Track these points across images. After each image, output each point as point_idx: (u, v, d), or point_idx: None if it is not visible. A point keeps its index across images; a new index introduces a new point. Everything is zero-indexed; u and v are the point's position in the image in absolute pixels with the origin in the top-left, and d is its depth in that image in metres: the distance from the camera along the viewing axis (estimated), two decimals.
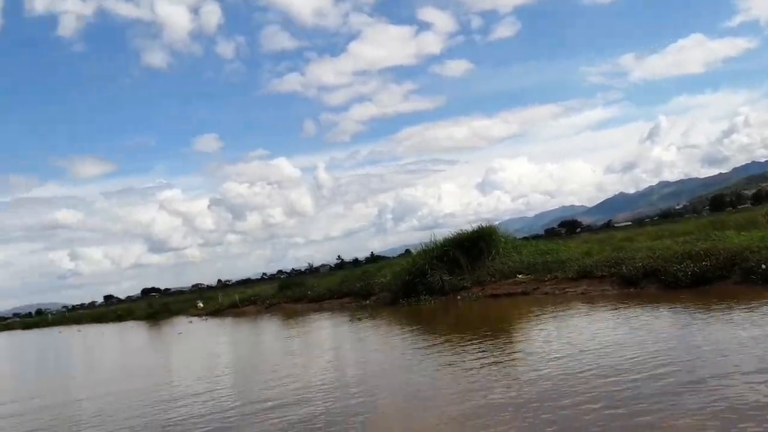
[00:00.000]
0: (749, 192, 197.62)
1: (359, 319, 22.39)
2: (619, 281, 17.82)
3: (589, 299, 17.27)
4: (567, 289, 19.34)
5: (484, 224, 27.20)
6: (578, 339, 11.64)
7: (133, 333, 40.41)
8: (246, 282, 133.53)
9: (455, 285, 24.19)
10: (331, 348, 16.92)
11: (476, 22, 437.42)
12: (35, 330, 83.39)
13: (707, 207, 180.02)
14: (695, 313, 12.45)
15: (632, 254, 19.01)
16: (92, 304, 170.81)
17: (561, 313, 15.62)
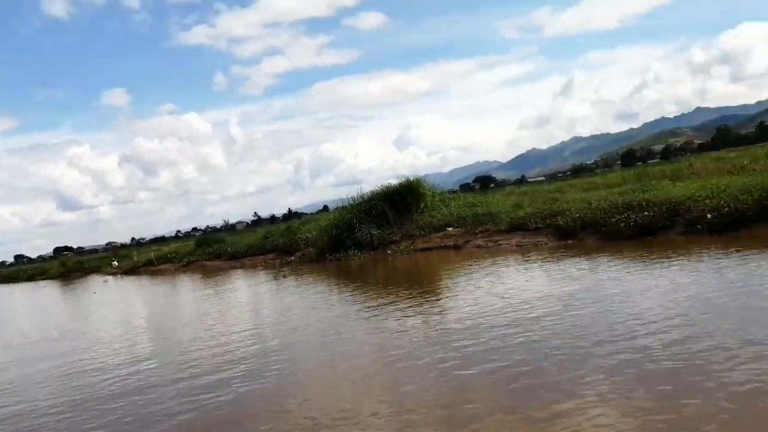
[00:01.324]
0: (659, 147, 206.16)
1: (284, 276, 21.18)
2: (556, 233, 17.26)
3: (524, 251, 16.67)
4: (500, 242, 18.69)
5: (409, 178, 26.16)
6: (502, 290, 11.32)
7: (45, 293, 37.75)
8: (160, 239, 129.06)
9: (384, 239, 23.30)
10: (252, 307, 15.75)
11: None
12: None
13: (618, 162, 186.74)
14: (633, 263, 12.00)
15: (567, 206, 18.45)
16: (2, 264, 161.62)
17: (490, 266, 15.09)
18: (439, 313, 10.38)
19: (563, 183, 39.17)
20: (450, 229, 22.02)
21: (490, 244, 18.92)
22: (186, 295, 22.02)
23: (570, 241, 16.48)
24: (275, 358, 9.00)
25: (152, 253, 42.44)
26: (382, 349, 8.44)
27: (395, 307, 11.42)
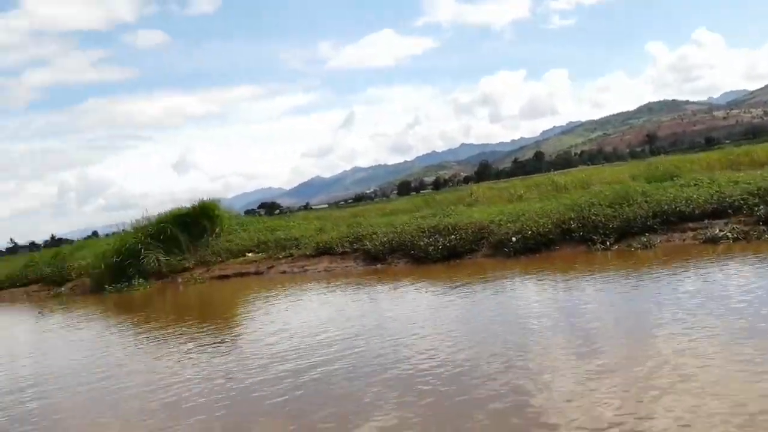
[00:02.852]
0: (430, 179, 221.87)
1: (51, 311, 18.40)
2: (364, 257, 16.96)
3: (332, 277, 16.14)
4: (307, 267, 17.97)
5: (203, 199, 24.48)
6: (307, 320, 11.06)
7: None
8: None
9: (175, 266, 21.38)
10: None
11: None
12: None
13: (395, 191, 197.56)
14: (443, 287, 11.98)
15: (372, 229, 18.29)
16: None
17: (297, 293, 14.49)
18: (233, 349, 9.52)
19: (357, 208, 39.65)
20: (250, 254, 20.83)
21: (296, 269, 18.11)
22: None
23: (379, 266, 16.25)
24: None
25: None
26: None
27: (183, 343, 10.31)
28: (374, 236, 17.29)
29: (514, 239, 14.04)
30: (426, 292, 12.18)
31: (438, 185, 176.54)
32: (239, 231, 23.51)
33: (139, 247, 21.86)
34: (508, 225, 14.96)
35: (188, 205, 23.76)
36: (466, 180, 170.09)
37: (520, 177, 71.77)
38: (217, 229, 23.20)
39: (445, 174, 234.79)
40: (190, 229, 22.93)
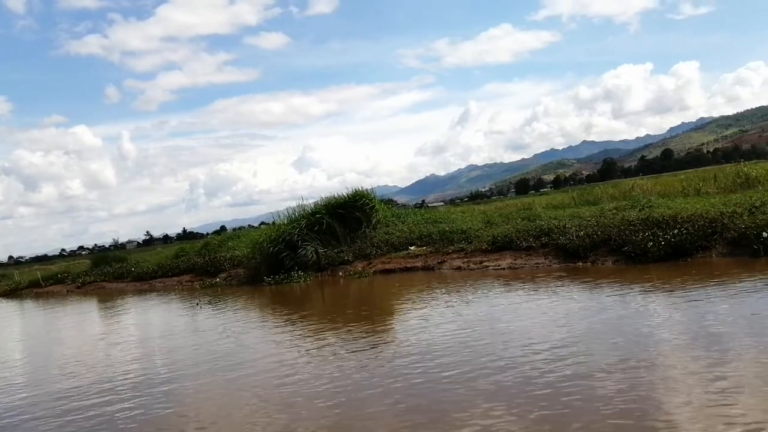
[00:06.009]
0: (549, 177, 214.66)
1: (208, 303, 17.66)
2: (557, 253, 14.92)
3: (524, 275, 13.95)
4: (485, 263, 16.17)
5: (358, 188, 23.32)
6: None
7: None
8: (42, 258, 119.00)
9: (334, 259, 20.27)
10: (161, 335, 13.20)
11: None
12: None
13: (513, 190, 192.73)
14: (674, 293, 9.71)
15: (559, 222, 16.28)
16: None
17: (519, 299, 12.43)
18: (368, 345, 7.66)
19: (499, 203, 37.62)
20: (413, 248, 19.40)
21: (472, 265, 16.34)
22: (71, 324, 17.96)
23: (579, 264, 14.11)
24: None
25: (38, 273, 36.99)
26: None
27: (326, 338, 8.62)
28: (566, 230, 15.27)
29: (766, 234, 11.58)
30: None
31: (558, 184, 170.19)
32: (397, 223, 22.21)
33: (296, 238, 20.97)
34: (744, 218, 12.53)
35: (344, 194, 22.72)
36: (588, 179, 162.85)
37: (670, 173, 67.16)
38: (374, 221, 21.98)
39: (566, 172, 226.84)
40: (345, 220, 21.89)
